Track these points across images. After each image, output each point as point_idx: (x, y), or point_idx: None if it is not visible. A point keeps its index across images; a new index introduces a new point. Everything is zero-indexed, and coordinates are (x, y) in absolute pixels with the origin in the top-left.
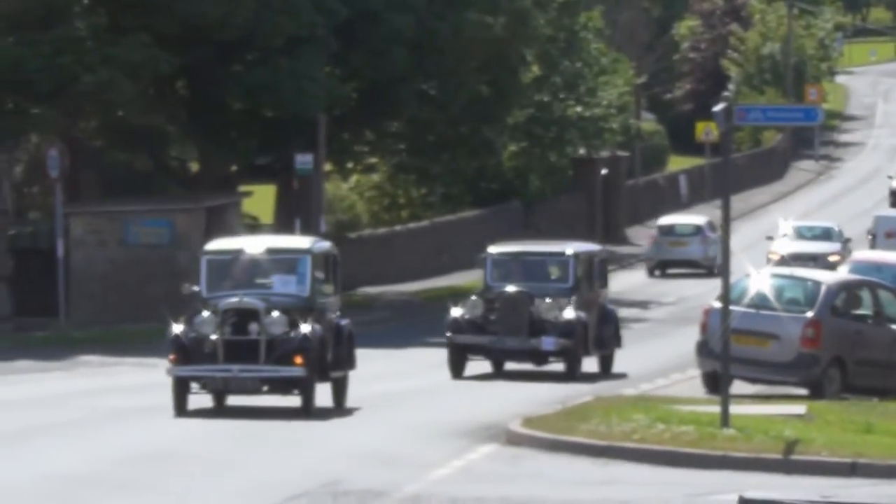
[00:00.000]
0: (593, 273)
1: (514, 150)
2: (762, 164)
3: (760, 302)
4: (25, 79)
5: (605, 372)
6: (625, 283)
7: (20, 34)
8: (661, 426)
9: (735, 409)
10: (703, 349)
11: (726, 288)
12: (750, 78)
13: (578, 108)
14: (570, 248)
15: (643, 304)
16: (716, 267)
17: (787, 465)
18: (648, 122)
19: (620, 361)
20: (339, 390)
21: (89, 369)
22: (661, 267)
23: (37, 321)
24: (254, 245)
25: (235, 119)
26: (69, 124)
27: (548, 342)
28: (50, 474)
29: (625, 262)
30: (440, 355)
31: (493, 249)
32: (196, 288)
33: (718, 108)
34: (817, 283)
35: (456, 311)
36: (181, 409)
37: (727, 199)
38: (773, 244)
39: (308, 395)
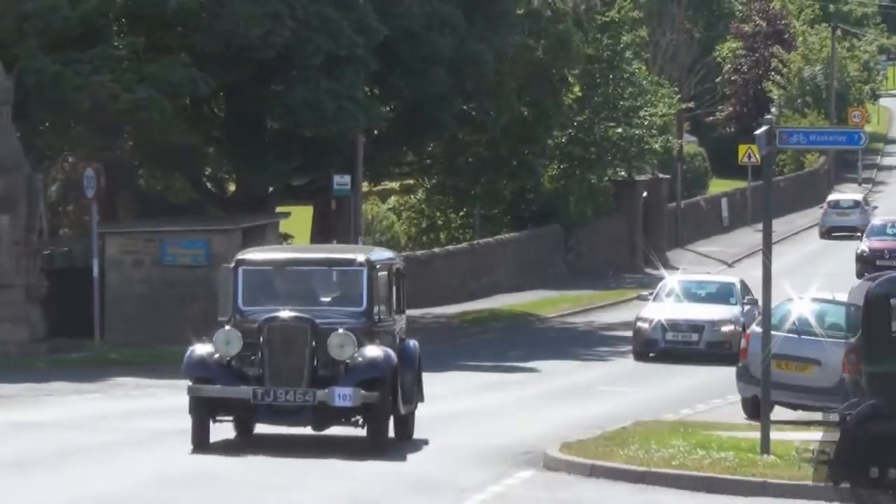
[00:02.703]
0: (392, 291)
1: (554, 171)
2: (805, 187)
3: (802, 327)
4: (62, 97)
5: (405, 437)
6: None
7: (58, 53)
8: (700, 452)
9: (776, 434)
10: (744, 374)
11: (767, 313)
12: (792, 100)
13: (619, 130)
14: (361, 254)
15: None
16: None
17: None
18: (690, 145)
19: (656, 384)
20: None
21: (124, 391)
22: (829, 232)
23: (72, 342)
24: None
25: (273, 139)
26: (106, 144)
27: (342, 395)
28: (85, 497)
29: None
30: (478, 378)
31: (246, 255)
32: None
33: (761, 131)
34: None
35: (201, 348)
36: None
37: (769, 223)
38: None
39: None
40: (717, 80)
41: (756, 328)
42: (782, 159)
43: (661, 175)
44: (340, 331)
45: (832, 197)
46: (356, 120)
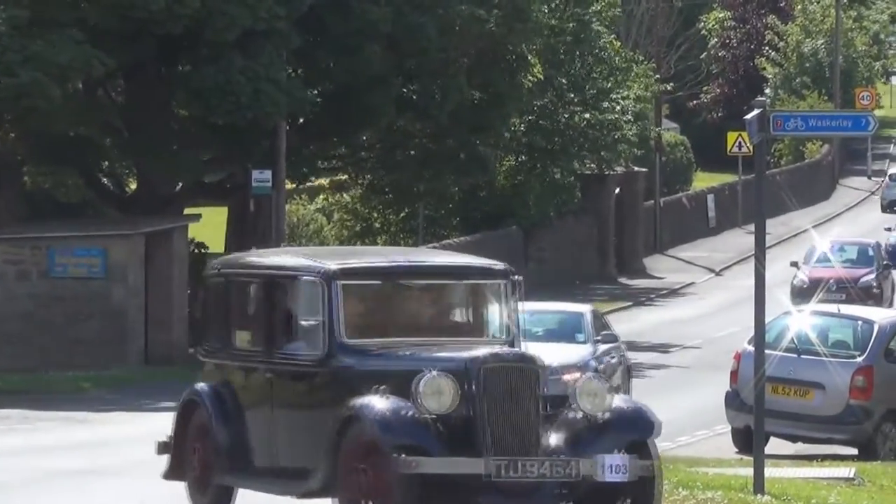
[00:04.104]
0: None
1: (510, 165)
2: (805, 181)
3: (802, 345)
4: None
5: None
6: (643, 322)
7: None
8: (683, 492)
9: (771, 471)
10: (734, 401)
11: (760, 329)
12: (790, 80)
13: (587, 115)
14: (496, 261)
15: (664, 348)
16: None
17: None
18: (670, 133)
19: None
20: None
21: (7, 426)
22: (891, 206)
23: None
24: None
25: (180, 128)
26: None
27: (614, 466)
28: None
29: (643, 299)
30: None
31: (344, 264)
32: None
33: (752, 115)
34: (869, 323)
35: (391, 402)
36: None
37: (762, 223)
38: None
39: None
40: (702, 56)
41: (748, 347)
42: (779, 149)
43: (636, 168)
44: (589, 375)
45: (894, 171)
46: (277, 105)
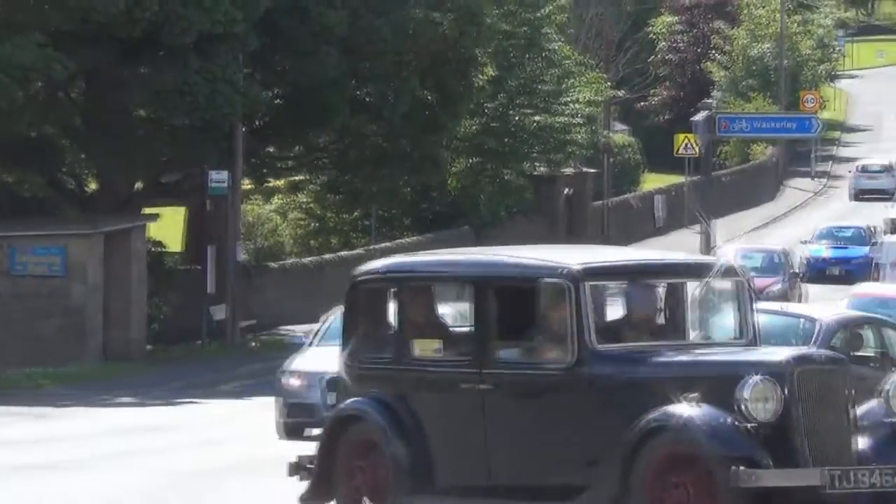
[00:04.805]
0: None
1: (462, 166)
2: (751, 182)
3: None
4: None
5: None
6: None
7: None
8: None
9: None
10: None
11: None
12: (736, 83)
13: (538, 118)
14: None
15: None
16: None
17: None
18: (619, 135)
19: None
20: None
21: None
22: (859, 195)
23: None
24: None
25: (139, 129)
26: None
27: None
28: None
29: None
30: None
31: (588, 263)
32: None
33: (699, 117)
34: (812, 321)
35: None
36: None
37: (707, 223)
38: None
39: None
40: (651, 59)
41: None
42: (725, 151)
43: (586, 170)
44: None
45: (862, 162)
46: (233, 106)
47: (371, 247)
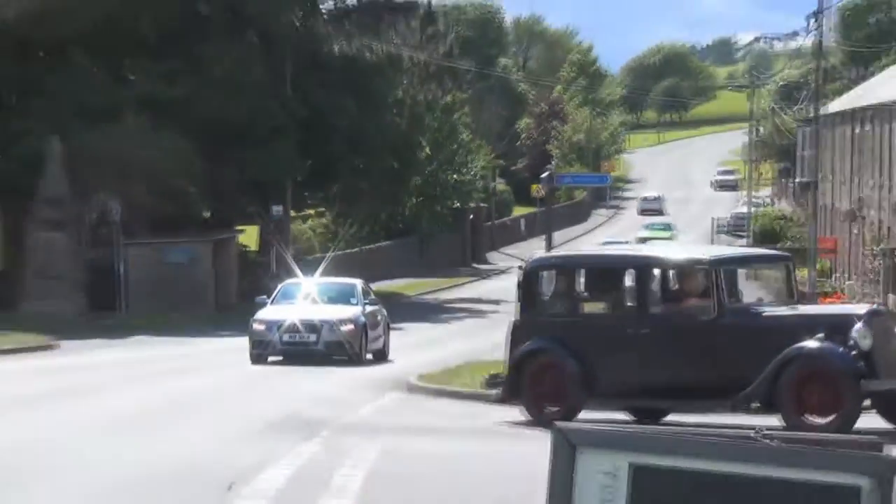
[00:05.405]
0: None
1: (413, 202)
2: (573, 211)
3: None
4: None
5: None
6: (486, 288)
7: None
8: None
9: None
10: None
11: None
12: (565, 156)
13: (455, 176)
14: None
15: (496, 302)
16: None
17: (587, 405)
18: (500, 184)
19: (481, 337)
20: None
21: (143, 345)
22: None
23: (103, 314)
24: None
25: (237, 183)
26: (126, 188)
27: None
28: (116, 409)
29: (485, 276)
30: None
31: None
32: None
33: (544, 175)
34: None
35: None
36: None
37: (550, 234)
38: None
39: None
40: (517, 143)
41: None
42: (559, 193)
43: (482, 204)
44: None
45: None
46: (285, 172)
47: (363, 248)
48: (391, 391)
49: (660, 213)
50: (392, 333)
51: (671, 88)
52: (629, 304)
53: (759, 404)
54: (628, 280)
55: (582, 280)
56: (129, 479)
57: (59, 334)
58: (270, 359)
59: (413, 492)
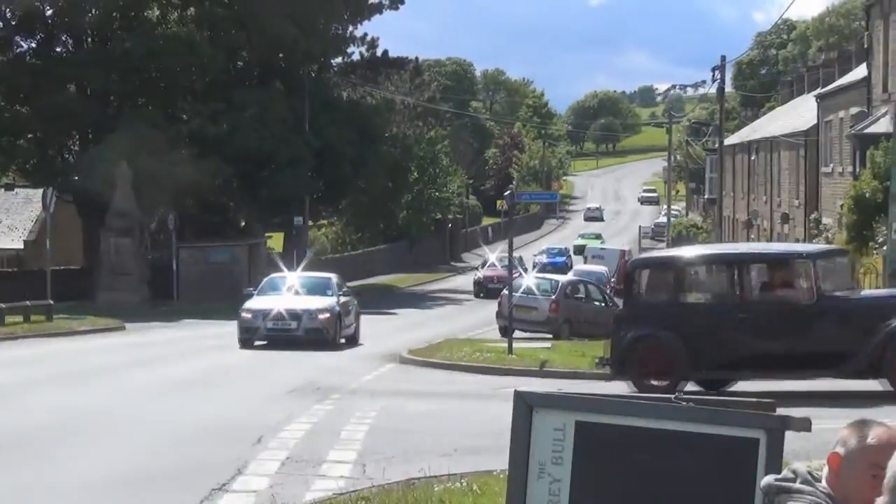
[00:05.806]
0: None
1: (404, 214)
2: (530, 221)
3: (528, 290)
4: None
5: None
6: (460, 281)
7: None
8: (477, 353)
9: (516, 344)
10: (499, 314)
11: (510, 283)
12: (524, 178)
13: (437, 193)
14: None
15: (469, 292)
16: None
17: (541, 374)
18: (472, 199)
19: (458, 320)
20: None
21: (191, 326)
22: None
23: (161, 302)
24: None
25: (265, 199)
26: (179, 203)
27: None
28: (170, 377)
29: (461, 272)
30: (366, 318)
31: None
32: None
33: (507, 193)
34: (557, 281)
35: None
36: None
37: (511, 239)
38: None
39: None
40: (486, 168)
41: (505, 292)
42: (519, 207)
43: (458, 216)
44: None
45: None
46: (303, 189)
47: (364, 250)
48: (388, 363)
49: (600, 219)
50: (385, 317)
51: (605, 125)
52: (731, 293)
53: (865, 370)
54: (730, 272)
55: (683, 275)
56: (185, 432)
57: (126, 318)
58: (257, 342)
59: (406, 442)
